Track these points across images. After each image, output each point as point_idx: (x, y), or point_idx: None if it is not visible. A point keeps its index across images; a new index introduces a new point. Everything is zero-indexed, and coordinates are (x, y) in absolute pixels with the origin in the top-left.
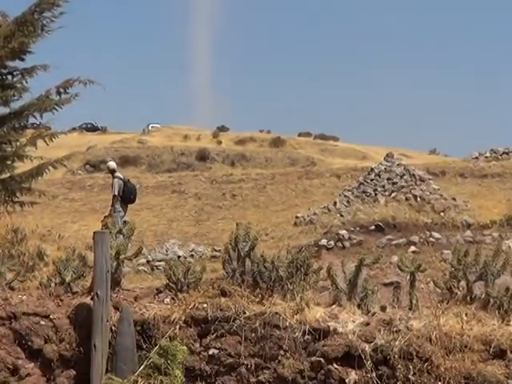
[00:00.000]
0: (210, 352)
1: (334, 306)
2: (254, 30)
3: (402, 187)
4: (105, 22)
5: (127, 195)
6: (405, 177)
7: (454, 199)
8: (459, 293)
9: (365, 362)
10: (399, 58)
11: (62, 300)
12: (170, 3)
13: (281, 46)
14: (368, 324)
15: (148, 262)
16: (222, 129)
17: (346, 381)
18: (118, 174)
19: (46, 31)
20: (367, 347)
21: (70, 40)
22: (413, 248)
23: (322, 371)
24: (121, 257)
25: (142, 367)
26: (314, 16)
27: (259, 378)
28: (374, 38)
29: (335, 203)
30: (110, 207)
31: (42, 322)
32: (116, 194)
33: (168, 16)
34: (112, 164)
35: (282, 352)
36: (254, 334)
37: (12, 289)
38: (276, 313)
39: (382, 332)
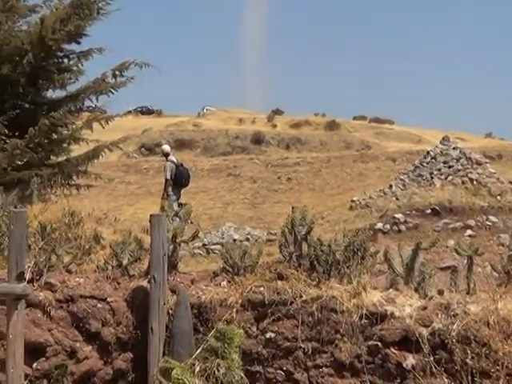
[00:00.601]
0: (267, 336)
1: (390, 290)
2: (309, 13)
3: (459, 170)
4: (160, 6)
5: (179, 179)
6: (461, 160)
7: (511, 182)
8: None
9: (422, 346)
10: (454, 39)
11: (118, 283)
12: None
13: (335, 29)
14: (425, 308)
15: (204, 245)
16: (277, 112)
17: (404, 365)
18: (171, 157)
19: (102, 14)
20: (424, 331)
21: (125, 23)
22: (469, 232)
23: (379, 355)
24: (177, 240)
25: (198, 350)
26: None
27: (316, 361)
28: (428, 19)
29: (391, 186)
30: (162, 191)
31: (100, 305)
32: (168, 178)
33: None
34: (166, 147)
35: (338, 336)
36: (310, 318)
37: (69, 272)
38: (333, 296)
39: (439, 316)
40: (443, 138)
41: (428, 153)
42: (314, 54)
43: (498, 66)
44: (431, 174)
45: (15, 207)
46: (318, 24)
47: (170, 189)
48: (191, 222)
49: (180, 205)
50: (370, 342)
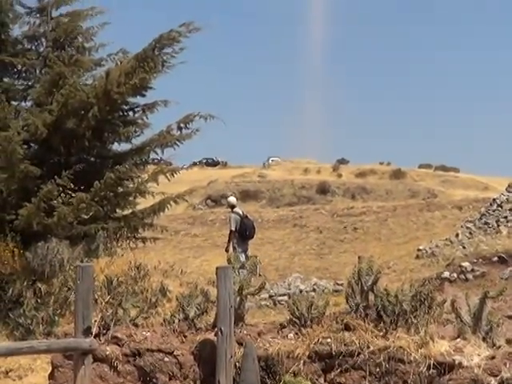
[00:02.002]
0: None
1: (458, 340)
2: (371, 59)
3: None
4: (225, 59)
5: (243, 231)
6: None
7: None
8: None
9: None
10: None
11: (185, 336)
12: (287, 44)
13: (399, 77)
14: (493, 357)
15: (270, 296)
16: (342, 161)
17: None
18: (236, 209)
19: (167, 67)
20: (493, 381)
21: (191, 75)
22: None
23: None
24: (244, 292)
25: None
26: (428, 48)
27: None
28: (494, 72)
29: (457, 235)
30: (226, 242)
31: (166, 359)
32: (233, 229)
33: (284, 50)
34: (232, 199)
35: None
36: (378, 369)
37: (136, 325)
38: (400, 347)
39: (507, 365)
40: (509, 185)
41: (494, 200)
42: (378, 103)
43: None
44: (497, 221)
45: (81, 261)
46: (379, 75)
47: (235, 240)
48: (258, 274)
49: (247, 257)
50: None
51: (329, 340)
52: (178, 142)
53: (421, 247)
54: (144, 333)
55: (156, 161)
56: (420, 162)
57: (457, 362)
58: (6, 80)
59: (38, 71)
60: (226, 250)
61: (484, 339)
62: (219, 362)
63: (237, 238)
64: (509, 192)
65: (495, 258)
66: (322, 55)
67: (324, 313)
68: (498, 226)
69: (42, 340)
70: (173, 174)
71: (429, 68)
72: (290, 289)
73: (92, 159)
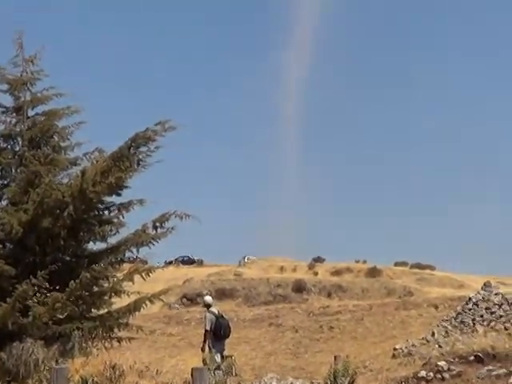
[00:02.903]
0: None
1: None
2: (344, 159)
3: (501, 316)
4: (199, 161)
5: (218, 331)
6: (503, 306)
7: None
8: None
9: None
10: (493, 191)
11: None
12: (261, 147)
13: (373, 176)
14: None
15: None
16: (318, 260)
17: None
18: (212, 308)
19: (143, 166)
20: None
21: (166, 174)
22: None
23: None
24: None
25: None
26: (398, 150)
27: None
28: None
29: (433, 334)
30: (202, 342)
31: None
32: (208, 329)
33: (259, 153)
34: (208, 299)
35: None
36: None
37: None
38: None
39: None
40: (484, 284)
41: (470, 299)
42: (353, 201)
43: None
44: (474, 320)
45: (56, 362)
46: (353, 177)
47: (210, 341)
48: (234, 374)
49: (223, 357)
50: None
51: None
52: (153, 241)
53: (397, 346)
54: None
55: (132, 259)
56: (396, 260)
57: None
58: None
59: (13, 170)
60: (202, 350)
61: None
62: None
63: (212, 337)
64: (485, 291)
65: (472, 357)
66: (296, 155)
67: None
68: (474, 324)
69: None
70: (148, 273)
71: (402, 168)
72: None
73: (67, 258)
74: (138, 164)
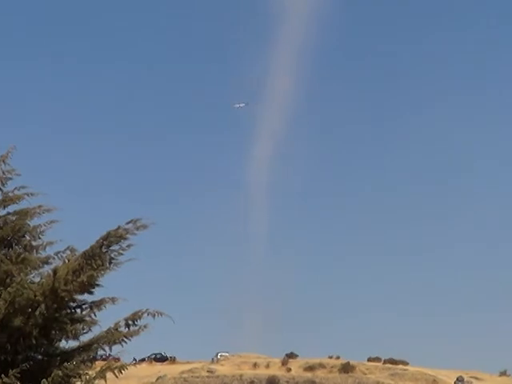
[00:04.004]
0: None
1: None
2: (313, 242)
3: None
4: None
5: None
6: None
7: None
8: None
9: None
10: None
11: None
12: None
13: (348, 268)
14: None
15: None
16: (291, 356)
17: None
18: None
19: (115, 264)
20: None
21: (138, 272)
22: None
23: None
24: None
25: None
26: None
27: None
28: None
29: None
30: None
31: None
32: None
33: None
34: None
35: None
36: None
37: None
38: None
39: None
40: (457, 379)
41: None
42: (326, 301)
43: None
44: None
45: None
46: (321, 267)
47: None
48: None
49: None
50: None
51: None
52: (126, 339)
53: None
54: None
55: (104, 357)
56: (369, 355)
57: None
58: None
59: None
60: None
61: None
62: None
63: None
64: None
65: None
66: (266, 239)
67: None
68: None
69: None
70: (121, 371)
71: (376, 257)
72: None
73: (39, 357)
74: (110, 262)
